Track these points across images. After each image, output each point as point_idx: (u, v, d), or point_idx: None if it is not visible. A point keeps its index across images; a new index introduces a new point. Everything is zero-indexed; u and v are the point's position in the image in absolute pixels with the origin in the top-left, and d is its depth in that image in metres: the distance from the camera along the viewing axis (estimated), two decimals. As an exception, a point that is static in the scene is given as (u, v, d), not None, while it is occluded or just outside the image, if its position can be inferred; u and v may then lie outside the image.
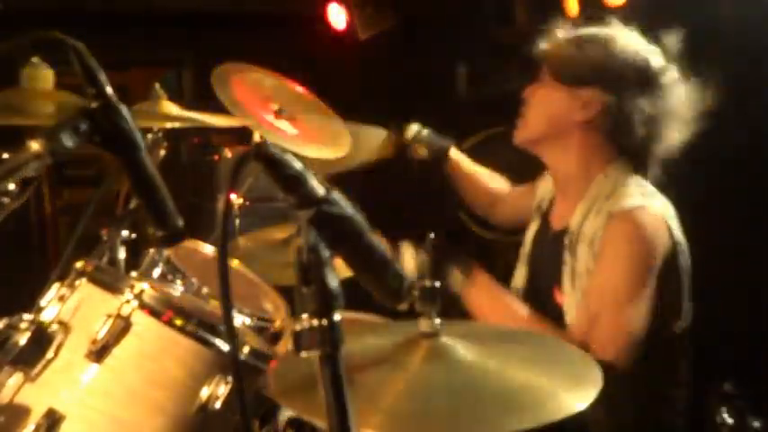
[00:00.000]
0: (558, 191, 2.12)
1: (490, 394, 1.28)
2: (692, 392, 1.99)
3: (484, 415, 1.24)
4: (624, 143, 1.98)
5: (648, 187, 1.97)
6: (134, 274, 2.01)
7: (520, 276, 2.18)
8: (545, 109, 2.03)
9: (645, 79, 1.94)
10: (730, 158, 3.13)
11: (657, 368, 1.90)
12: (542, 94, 2.04)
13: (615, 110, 1.94)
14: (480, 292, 1.93)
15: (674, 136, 1.98)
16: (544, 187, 2.24)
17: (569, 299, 1.93)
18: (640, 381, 1.88)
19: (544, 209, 2.18)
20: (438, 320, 1.37)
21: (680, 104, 1.96)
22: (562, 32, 2.04)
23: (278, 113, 2.56)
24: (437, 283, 1.35)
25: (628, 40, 1.98)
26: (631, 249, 1.84)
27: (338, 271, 0.99)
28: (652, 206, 1.89)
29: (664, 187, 2.00)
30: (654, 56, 1.96)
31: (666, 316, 1.89)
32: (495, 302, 1.94)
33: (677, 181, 1.98)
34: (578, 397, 1.25)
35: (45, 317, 1.62)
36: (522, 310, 1.95)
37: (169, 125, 2.22)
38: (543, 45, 2.06)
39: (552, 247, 2.03)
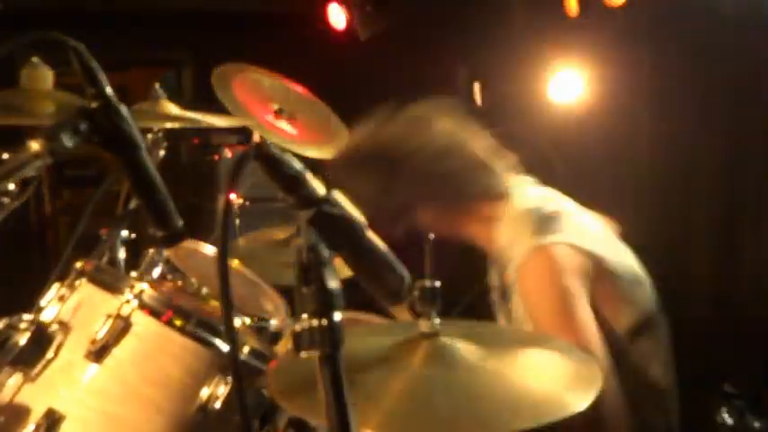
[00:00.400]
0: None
1: (490, 394, 1.28)
2: (690, 392, 1.98)
3: (484, 415, 1.24)
4: (462, 191, 1.99)
5: (541, 212, 1.94)
6: (134, 274, 2.00)
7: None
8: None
9: (390, 168, 1.97)
10: (728, 157, 3.13)
11: (626, 368, 1.89)
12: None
13: (426, 193, 1.97)
14: None
15: (480, 143, 2.01)
16: None
17: None
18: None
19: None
20: (438, 320, 1.37)
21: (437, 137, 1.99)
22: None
23: (278, 113, 2.56)
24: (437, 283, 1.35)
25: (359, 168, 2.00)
26: (541, 296, 1.83)
27: (338, 271, 0.99)
28: (549, 242, 1.85)
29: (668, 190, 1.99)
30: (390, 145, 1.98)
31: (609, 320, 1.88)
32: None
33: (678, 183, 1.98)
34: (578, 397, 1.25)
35: (45, 317, 1.62)
36: None
37: (169, 125, 2.22)
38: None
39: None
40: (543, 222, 1.91)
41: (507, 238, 1.96)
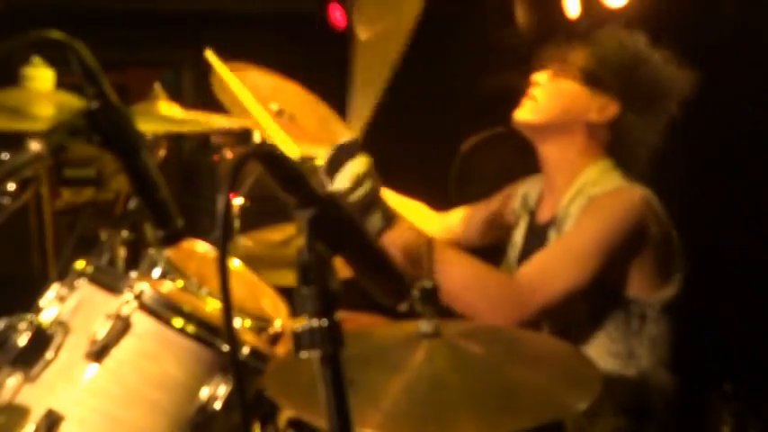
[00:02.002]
0: (547, 186, 2.15)
1: (490, 394, 1.28)
2: (691, 393, 1.99)
3: (484, 415, 1.24)
4: (619, 152, 2.06)
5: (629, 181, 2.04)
6: (134, 274, 2.00)
7: None
8: (562, 100, 2.05)
9: (660, 106, 2.03)
10: (731, 158, 3.13)
11: (648, 339, 1.95)
12: (562, 86, 2.05)
13: (624, 123, 2.02)
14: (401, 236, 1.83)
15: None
16: (530, 185, 2.27)
17: None
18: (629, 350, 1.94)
19: (532, 205, 2.21)
20: (438, 320, 1.37)
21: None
22: (603, 35, 2.09)
23: (278, 113, 2.56)
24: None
25: (660, 63, 2.04)
26: (599, 218, 1.90)
27: (338, 271, 0.99)
28: (633, 187, 1.96)
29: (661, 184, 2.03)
30: (675, 83, 2.03)
31: (656, 281, 1.95)
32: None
33: (678, 181, 1.99)
34: (579, 397, 1.25)
35: (44, 317, 1.62)
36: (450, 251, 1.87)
37: (169, 125, 2.22)
38: (576, 42, 2.09)
39: (540, 240, 2.06)
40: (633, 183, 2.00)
41: (595, 177, 2.01)
